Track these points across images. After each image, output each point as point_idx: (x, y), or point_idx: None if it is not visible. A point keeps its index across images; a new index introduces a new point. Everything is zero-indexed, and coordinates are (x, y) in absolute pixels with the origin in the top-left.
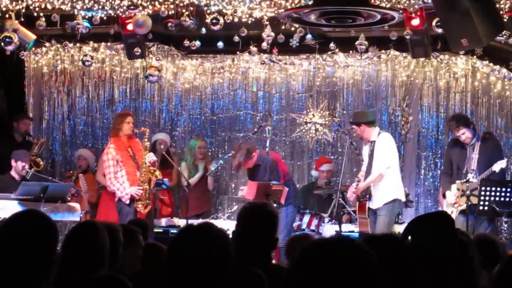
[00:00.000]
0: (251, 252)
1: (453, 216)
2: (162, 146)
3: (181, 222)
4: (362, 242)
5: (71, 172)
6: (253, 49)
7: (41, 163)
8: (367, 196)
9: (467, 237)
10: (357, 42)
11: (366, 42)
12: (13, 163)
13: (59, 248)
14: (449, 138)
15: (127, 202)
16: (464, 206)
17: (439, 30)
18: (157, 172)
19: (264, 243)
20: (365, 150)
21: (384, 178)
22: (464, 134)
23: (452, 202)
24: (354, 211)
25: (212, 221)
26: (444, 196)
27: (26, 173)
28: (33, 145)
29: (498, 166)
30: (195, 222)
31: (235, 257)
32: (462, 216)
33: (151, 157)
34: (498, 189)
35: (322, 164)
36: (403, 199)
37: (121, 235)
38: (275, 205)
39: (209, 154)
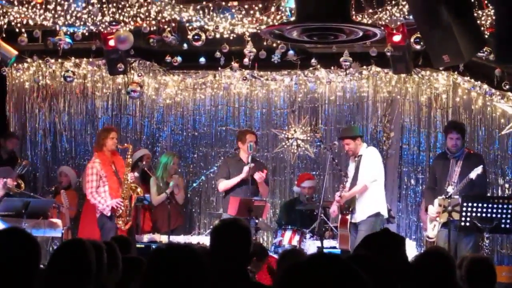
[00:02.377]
0: (228, 269)
1: (435, 230)
2: (144, 163)
3: (163, 238)
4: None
5: (53, 189)
6: (235, 65)
7: (22, 185)
8: (350, 210)
9: (446, 253)
10: (341, 59)
11: (351, 59)
12: None
13: (42, 266)
14: (431, 154)
15: (108, 214)
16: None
17: (418, 47)
18: (139, 189)
19: (239, 259)
20: (351, 166)
21: (369, 191)
22: (455, 141)
23: (434, 216)
24: (336, 227)
25: (194, 237)
26: (426, 210)
27: (10, 189)
28: (16, 165)
29: (474, 173)
30: (176, 238)
31: (213, 276)
32: (444, 230)
33: (132, 176)
34: (480, 204)
35: (304, 180)
36: (386, 215)
37: (105, 253)
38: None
39: (180, 170)
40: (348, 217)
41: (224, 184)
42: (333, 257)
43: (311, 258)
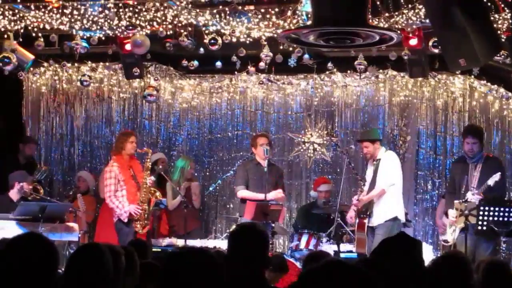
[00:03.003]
0: (246, 274)
1: (455, 235)
2: (160, 166)
3: (180, 242)
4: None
5: (71, 193)
6: (251, 69)
7: (41, 190)
8: (367, 213)
9: (464, 256)
10: (356, 62)
11: (365, 62)
12: (16, 185)
13: (60, 270)
14: (447, 157)
15: (125, 220)
16: (462, 225)
17: (436, 50)
18: (158, 193)
19: (257, 263)
20: (369, 170)
21: (386, 195)
22: (472, 145)
23: (453, 220)
24: (353, 231)
25: (211, 241)
26: (446, 215)
27: (26, 193)
28: (36, 171)
29: (492, 180)
30: (192, 242)
31: (229, 280)
32: (462, 235)
33: (151, 179)
34: (497, 208)
35: (320, 184)
36: (403, 219)
37: (123, 258)
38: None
39: (196, 174)
40: (366, 220)
41: (244, 194)
42: (345, 264)
43: (324, 265)
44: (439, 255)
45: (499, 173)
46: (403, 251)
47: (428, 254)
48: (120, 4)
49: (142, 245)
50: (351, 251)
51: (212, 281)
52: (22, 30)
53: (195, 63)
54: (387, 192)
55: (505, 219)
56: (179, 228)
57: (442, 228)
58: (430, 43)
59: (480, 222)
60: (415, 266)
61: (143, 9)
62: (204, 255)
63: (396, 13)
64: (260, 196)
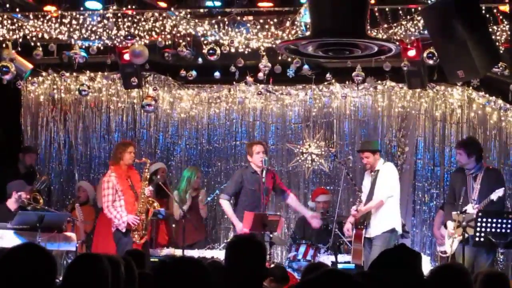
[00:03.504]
0: (244, 284)
1: (454, 246)
2: (158, 176)
3: (178, 252)
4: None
5: (71, 203)
6: (250, 79)
7: (41, 200)
8: (364, 224)
9: (462, 267)
10: (354, 73)
11: (363, 73)
12: (14, 195)
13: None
14: (445, 169)
15: (123, 230)
16: (460, 237)
17: (431, 62)
18: (156, 204)
19: (254, 274)
20: (366, 181)
21: (384, 206)
22: (458, 156)
23: (452, 232)
24: (350, 242)
25: (208, 251)
26: (445, 225)
27: (24, 203)
28: (36, 181)
29: (495, 195)
30: (190, 253)
31: None
32: (461, 246)
33: (149, 190)
34: (495, 220)
35: (319, 195)
36: (400, 231)
37: (123, 268)
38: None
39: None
40: (363, 231)
41: (225, 207)
42: (341, 276)
43: (319, 276)
44: (437, 265)
45: (503, 188)
46: (403, 262)
47: (426, 265)
48: (119, 14)
49: (139, 255)
50: (348, 262)
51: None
52: (20, 39)
53: (194, 73)
54: (385, 204)
55: (503, 230)
56: (181, 239)
57: (440, 239)
58: (425, 54)
59: (478, 234)
60: (415, 278)
61: (142, 19)
62: (194, 264)
63: (395, 24)
64: (235, 222)
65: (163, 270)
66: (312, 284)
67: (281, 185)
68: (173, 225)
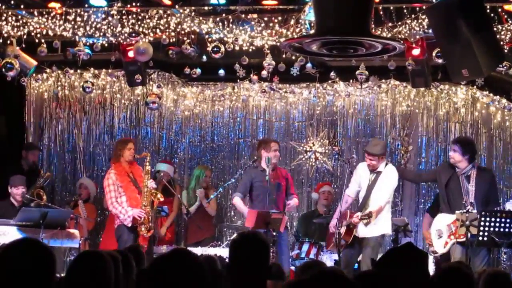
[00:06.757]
0: (247, 283)
1: (449, 246)
2: (162, 174)
3: None
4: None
5: (72, 200)
6: (254, 77)
7: (44, 197)
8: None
9: (469, 269)
10: (357, 72)
11: (366, 72)
12: (9, 189)
13: (58, 275)
14: None
15: (129, 225)
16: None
17: (440, 61)
18: (159, 195)
19: (258, 273)
20: (365, 177)
21: (381, 211)
22: (452, 152)
23: (453, 232)
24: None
25: (211, 249)
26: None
27: (24, 198)
28: (39, 177)
29: (511, 205)
30: (194, 250)
31: None
32: (460, 247)
33: (152, 183)
34: (498, 219)
35: (322, 186)
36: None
37: (120, 263)
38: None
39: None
40: (354, 230)
41: (236, 202)
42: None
43: (313, 277)
44: (434, 263)
45: None
46: (410, 262)
47: (430, 265)
48: (124, 11)
49: (137, 252)
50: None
51: (196, 285)
52: (25, 36)
53: (198, 71)
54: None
55: (506, 230)
56: (191, 237)
57: (429, 239)
58: (434, 54)
59: (481, 233)
60: (422, 277)
61: (146, 17)
62: (189, 258)
63: (399, 23)
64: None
65: (158, 264)
66: (306, 285)
67: (291, 188)
68: (183, 222)
